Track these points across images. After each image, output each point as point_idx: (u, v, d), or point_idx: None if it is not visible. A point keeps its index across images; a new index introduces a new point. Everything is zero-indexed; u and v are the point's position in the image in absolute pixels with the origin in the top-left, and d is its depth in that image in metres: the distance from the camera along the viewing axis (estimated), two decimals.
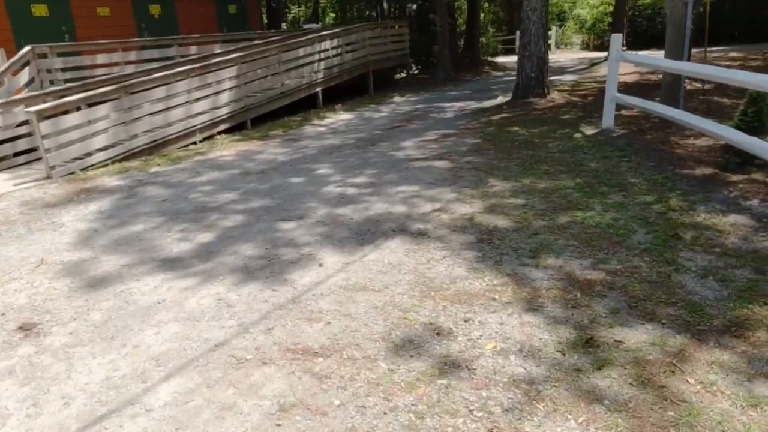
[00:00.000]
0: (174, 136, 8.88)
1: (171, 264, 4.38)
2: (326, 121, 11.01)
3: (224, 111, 9.91)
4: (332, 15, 29.91)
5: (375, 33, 15.63)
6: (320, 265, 4.26)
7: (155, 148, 8.53)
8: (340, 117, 11.41)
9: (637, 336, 3.06)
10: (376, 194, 5.83)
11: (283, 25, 24.69)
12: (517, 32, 30.18)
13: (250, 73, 10.66)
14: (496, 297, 3.62)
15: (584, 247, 4.18)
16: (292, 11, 28.39)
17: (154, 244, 4.80)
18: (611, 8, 27.63)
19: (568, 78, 15.77)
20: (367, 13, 25.87)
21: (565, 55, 25.89)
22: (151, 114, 8.57)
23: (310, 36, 12.99)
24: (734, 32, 22.03)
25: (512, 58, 24.24)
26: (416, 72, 18.66)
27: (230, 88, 10.12)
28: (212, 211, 5.56)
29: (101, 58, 10.96)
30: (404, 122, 10.11)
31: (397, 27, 17.03)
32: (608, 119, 7.96)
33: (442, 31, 16.31)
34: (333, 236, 4.74)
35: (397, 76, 18.55)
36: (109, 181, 7.02)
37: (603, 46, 27.15)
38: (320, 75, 12.72)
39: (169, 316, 3.58)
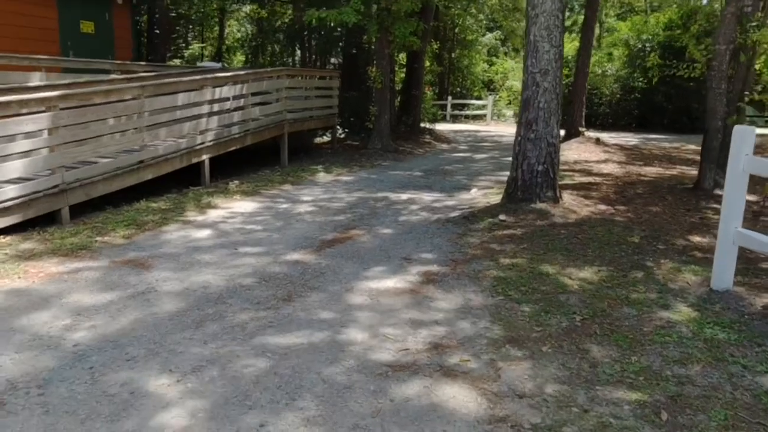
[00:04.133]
0: None
1: None
2: (210, 215, 6.67)
3: (11, 193, 5.35)
4: (241, 58, 25.76)
5: (295, 83, 11.63)
6: None
7: None
8: (235, 207, 7.12)
9: None
10: None
11: (177, 62, 20.19)
12: (448, 99, 27.62)
13: (81, 126, 6.20)
14: None
15: None
16: (192, 47, 23.93)
17: None
18: None
19: None
20: (284, 59, 22.10)
21: (503, 128, 23.24)
22: None
23: (199, 77, 8.75)
24: (664, 121, 21.21)
25: (450, 127, 21.14)
26: (342, 136, 14.81)
27: (34, 150, 5.61)
28: None
29: None
30: (343, 231, 6.02)
31: (324, 77, 13.19)
32: (726, 275, 4.35)
33: (381, 89, 12.63)
34: None
35: (318, 139, 14.58)
36: None
37: None
38: (210, 136, 8.44)
39: None
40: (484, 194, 8.04)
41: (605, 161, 12.60)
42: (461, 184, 9.20)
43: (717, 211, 6.61)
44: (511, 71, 29.86)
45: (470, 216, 6.52)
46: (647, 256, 5.13)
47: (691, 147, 15.02)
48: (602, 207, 6.91)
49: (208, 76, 8.95)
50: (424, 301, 4.11)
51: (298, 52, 20.81)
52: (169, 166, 7.55)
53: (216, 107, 8.65)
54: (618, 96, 23.29)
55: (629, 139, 17.06)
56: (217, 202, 7.25)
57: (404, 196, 7.97)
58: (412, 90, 16.16)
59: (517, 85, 28.21)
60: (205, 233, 5.86)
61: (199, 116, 8.17)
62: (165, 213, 6.55)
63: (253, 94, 9.85)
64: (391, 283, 4.45)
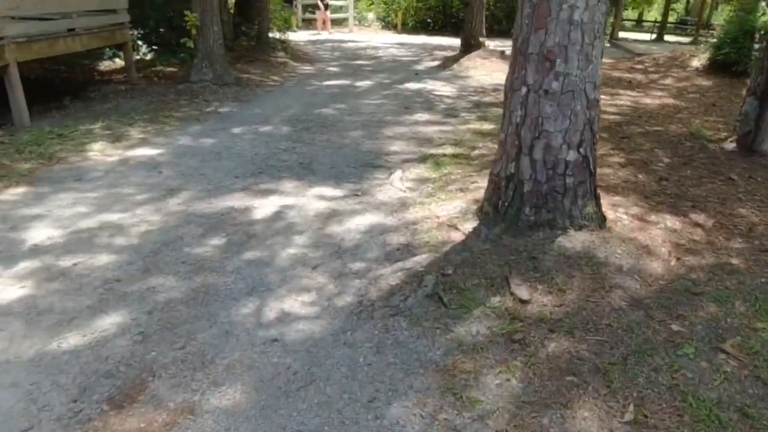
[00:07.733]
0: None
1: None
2: None
3: None
4: None
5: None
6: None
7: None
8: None
9: None
10: None
11: None
12: (298, 0, 21.73)
13: None
14: None
15: None
16: None
17: None
18: None
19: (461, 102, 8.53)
20: None
21: (370, 35, 18.82)
22: None
23: None
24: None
25: (305, 36, 16.23)
26: (149, 57, 9.63)
27: None
28: None
29: None
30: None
31: None
32: None
33: None
34: None
35: (108, 64, 9.29)
36: None
37: (414, 28, 20.75)
38: None
39: None
40: (422, 186, 4.02)
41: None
42: (363, 153, 5.04)
43: None
44: None
45: (439, 287, 2.50)
46: None
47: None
48: (666, 218, 3.29)
49: None
50: None
51: None
52: None
53: None
54: None
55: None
56: None
57: (268, 208, 3.66)
58: None
59: None
60: None
61: None
62: None
63: None
64: None
